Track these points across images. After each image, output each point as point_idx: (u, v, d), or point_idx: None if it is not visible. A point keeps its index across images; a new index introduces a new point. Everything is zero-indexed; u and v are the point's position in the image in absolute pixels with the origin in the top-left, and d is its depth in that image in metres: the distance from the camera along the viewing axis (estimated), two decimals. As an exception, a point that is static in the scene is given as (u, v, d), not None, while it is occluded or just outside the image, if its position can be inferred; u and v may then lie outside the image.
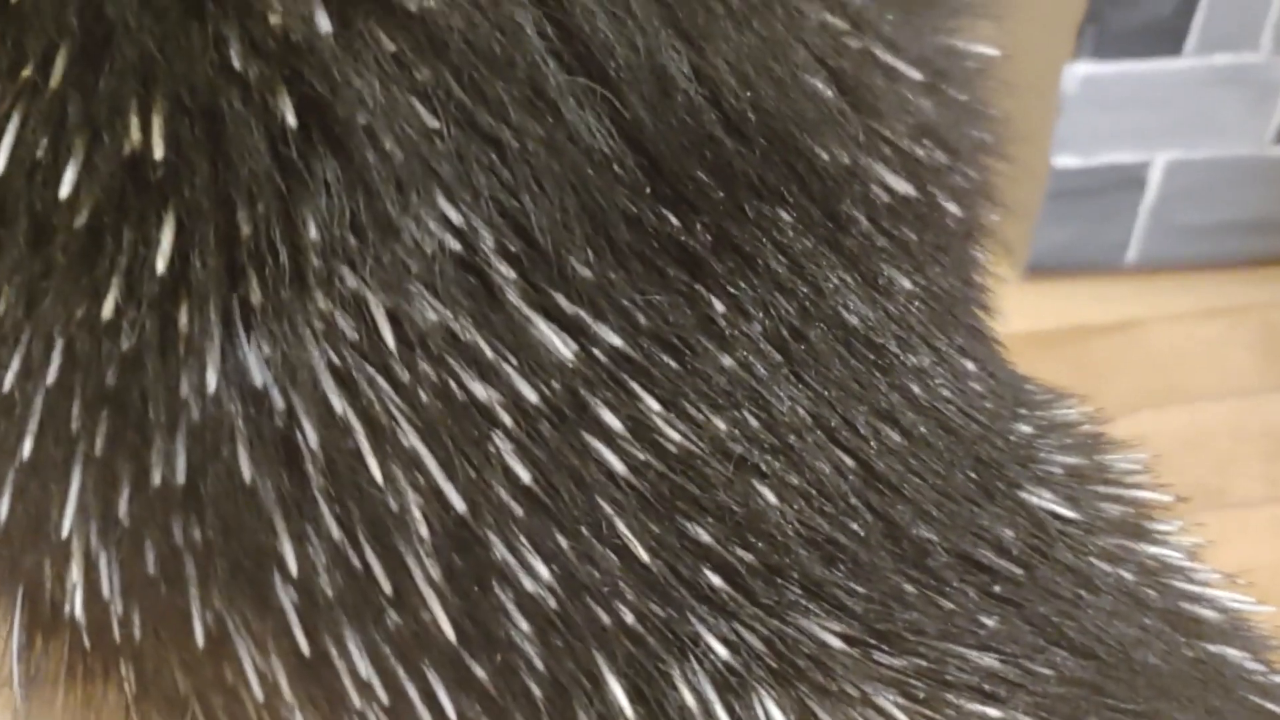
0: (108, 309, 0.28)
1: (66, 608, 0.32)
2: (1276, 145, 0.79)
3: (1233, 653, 0.37)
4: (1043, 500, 0.36)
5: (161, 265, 0.27)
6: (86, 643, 0.34)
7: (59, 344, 0.29)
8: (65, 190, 0.27)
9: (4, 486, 0.32)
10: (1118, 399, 0.76)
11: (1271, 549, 0.67)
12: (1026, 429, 0.38)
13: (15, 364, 0.30)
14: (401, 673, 0.31)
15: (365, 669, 0.31)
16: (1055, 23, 0.73)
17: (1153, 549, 0.38)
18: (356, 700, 0.32)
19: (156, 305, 0.28)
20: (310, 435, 0.28)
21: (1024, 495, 0.35)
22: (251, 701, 0.33)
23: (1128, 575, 0.36)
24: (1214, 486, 0.70)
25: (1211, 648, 0.37)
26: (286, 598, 0.30)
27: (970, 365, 0.37)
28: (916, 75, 0.36)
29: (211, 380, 0.28)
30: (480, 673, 0.31)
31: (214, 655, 0.32)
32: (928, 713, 0.32)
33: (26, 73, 0.28)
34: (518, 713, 0.32)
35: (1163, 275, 0.83)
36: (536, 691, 0.32)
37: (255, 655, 0.32)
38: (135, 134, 0.27)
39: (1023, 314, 0.83)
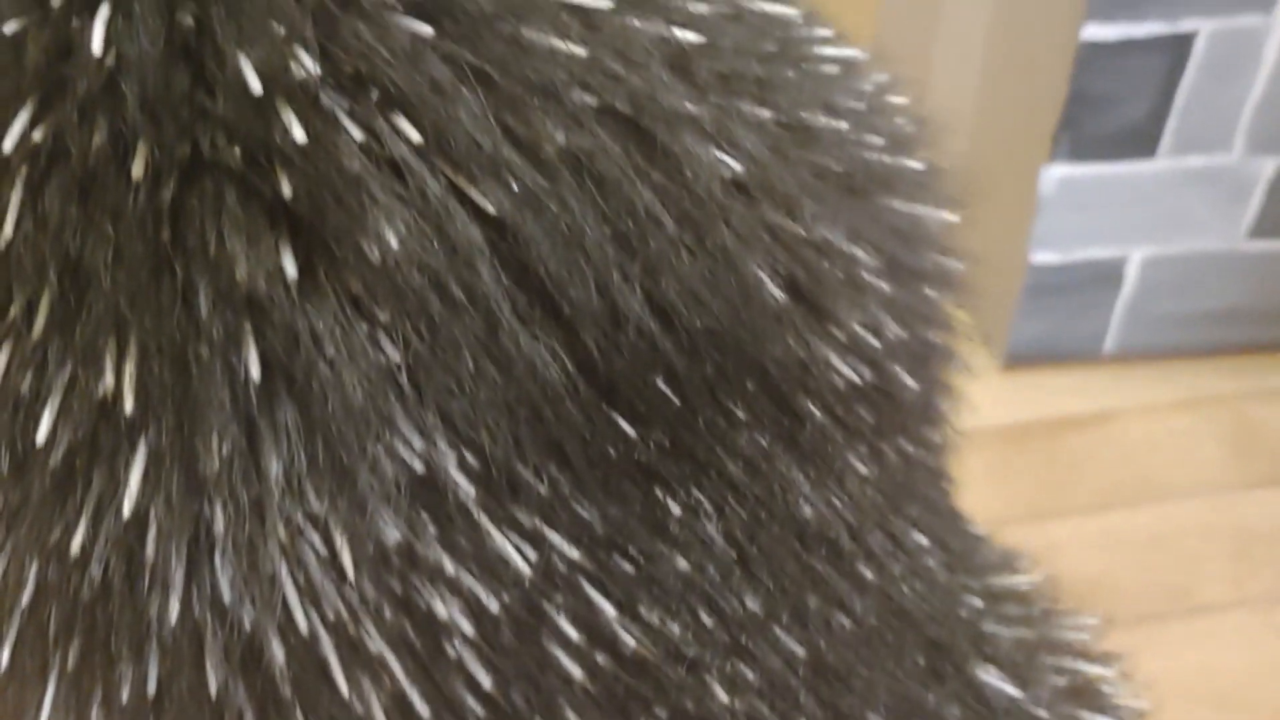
0: (75, 545, 0.29)
1: None
2: (1250, 240, 0.80)
3: None
4: (989, 677, 0.37)
5: (128, 508, 0.29)
6: None
7: (33, 568, 0.30)
8: (43, 433, 0.29)
9: None
10: (1091, 495, 0.77)
11: (1237, 653, 0.67)
12: (977, 603, 0.39)
13: None
14: None
15: None
16: (1031, 127, 0.74)
17: (1098, 718, 0.39)
18: None
19: (122, 541, 0.29)
20: (276, 648, 0.30)
21: (972, 673, 0.37)
22: None
23: (1072, 749, 0.37)
24: (1181, 587, 0.71)
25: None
26: None
27: (924, 540, 0.39)
28: (873, 260, 0.38)
29: (174, 607, 0.29)
30: None
31: None
32: None
33: (13, 313, 0.29)
34: None
35: (1139, 364, 0.84)
36: None
37: None
38: (109, 379, 0.28)
39: (999, 405, 0.84)
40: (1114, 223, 0.77)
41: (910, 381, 0.40)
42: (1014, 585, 0.41)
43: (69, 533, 0.30)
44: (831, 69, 0.41)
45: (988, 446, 0.78)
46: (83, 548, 0.30)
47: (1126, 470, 0.78)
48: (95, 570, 0.31)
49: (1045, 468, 0.78)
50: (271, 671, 0.31)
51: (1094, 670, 0.40)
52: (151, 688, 0.31)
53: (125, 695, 0.31)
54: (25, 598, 0.31)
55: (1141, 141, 0.73)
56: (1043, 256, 0.78)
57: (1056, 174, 0.74)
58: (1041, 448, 0.79)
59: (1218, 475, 0.78)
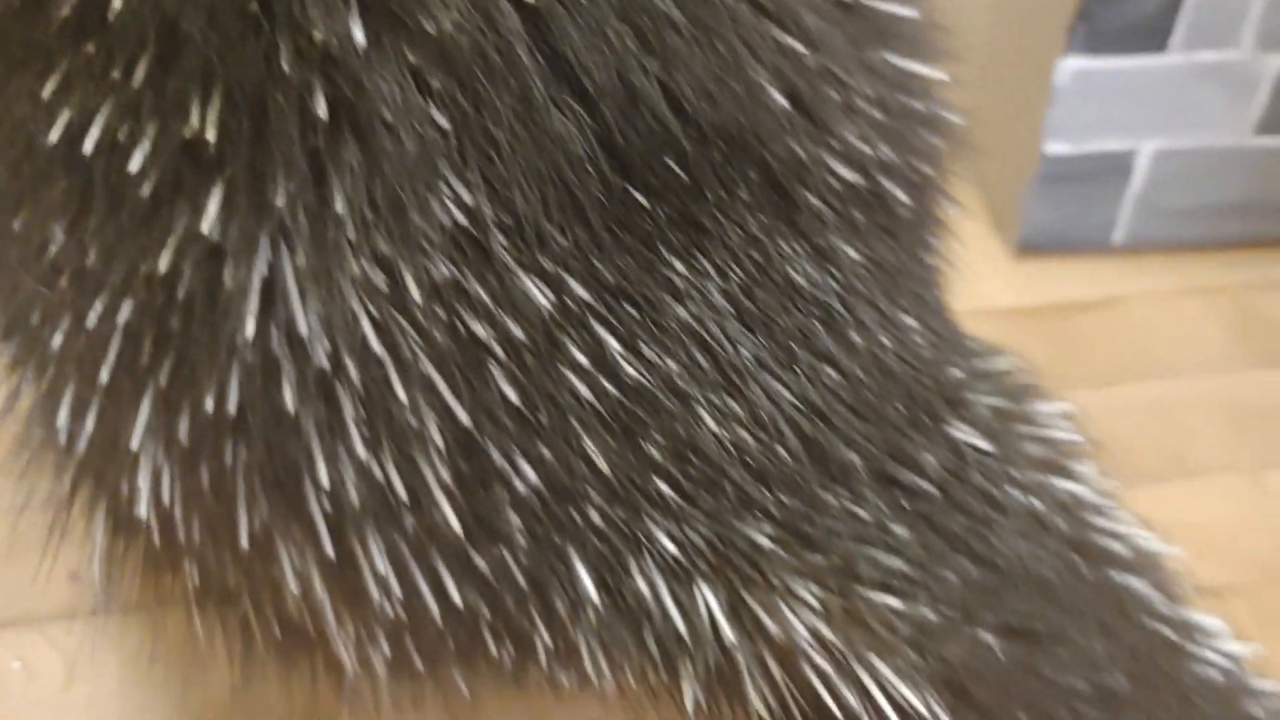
0: (163, 264, 0.32)
1: (137, 510, 0.36)
2: (1257, 136, 0.80)
3: (1137, 583, 0.40)
4: (963, 434, 0.39)
5: (206, 228, 0.31)
6: (157, 541, 0.38)
7: (129, 294, 0.33)
8: (135, 166, 0.31)
9: (89, 409, 0.36)
10: (1097, 371, 0.78)
11: (1228, 512, 0.68)
12: (958, 374, 0.41)
13: (98, 307, 0.34)
14: (415, 568, 0.36)
15: (384, 567, 0.35)
16: (1047, 20, 0.75)
17: (1069, 485, 0.41)
18: (375, 594, 0.36)
19: (203, 265, 0.32)
20: (352, 371, 0.32)
21: (948, 428, 0.39)
22: (291, 597, 0.37)
23: (1039, 504, 0.39)
24: (1180, 454, 0.72)
25: (1116, 576, 0.40)
26: (318, 508, 0.34)
27: (911, 321, 0.41)
28: (869, 90, 0.40)
29: (250, 329, 0.32)
30: (481, 564, 0.35)
31: (260, 557, 0.36)
32: (839, 600, 0.35)
33: (114, 75, 0.32)
34: (509, 599, 0.36)
35: (1146, 256, 0.85)
36: (523, 582, 0.36)
37: (294, 558, 0.36)
38: (194, 122, 0.31)
39: (1011, 290, 0.85)
40: (1125, 115, 0.77)
41: (904, 198, 0.42)
42: (996, 365, 0.43)
43: (157, 255, 0.33)
44: None
45: (998, 326, 0.79)
46: (170, 266, 0.33)
47: (1132, 350, 0.78)
48: (181, 293, 0.33)
49: (1055, 345, 0.79)
50: (339, 396, 0.33)
51: (1066, 438, 0.42)
52: (233, 407, 0.33)
53: (209, 409, 0.33)
54: (122, 319, 0.34)
55: (1154, 35, 0.73)
56: (1055, 147, 0.78)
57: (1071, 66, 0.74)
58: (1051, 328, 0.80)
59: (1217, 357, 0.78)
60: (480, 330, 0.34)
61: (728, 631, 0.35)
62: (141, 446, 0.35)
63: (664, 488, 0.35)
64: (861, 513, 0.36)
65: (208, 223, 0.32)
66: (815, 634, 0.35)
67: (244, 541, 0.35)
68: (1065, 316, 0.81)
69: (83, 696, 0.58)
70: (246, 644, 0.44)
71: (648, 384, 0.35)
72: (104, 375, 0.35)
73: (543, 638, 0.36)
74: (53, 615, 0.61)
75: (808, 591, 0.35)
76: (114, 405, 0.36)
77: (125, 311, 0.34)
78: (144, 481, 0.36)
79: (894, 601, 0.35)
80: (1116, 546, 0.40)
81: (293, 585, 0.36)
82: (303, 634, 0.40)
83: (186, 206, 0.32)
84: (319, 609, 0.37)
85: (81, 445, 0.38)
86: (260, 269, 0.32)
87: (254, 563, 0.37)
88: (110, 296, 0.34)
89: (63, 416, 0.37)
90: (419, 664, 0.38)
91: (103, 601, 0.44)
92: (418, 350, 0.33)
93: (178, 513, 0.37)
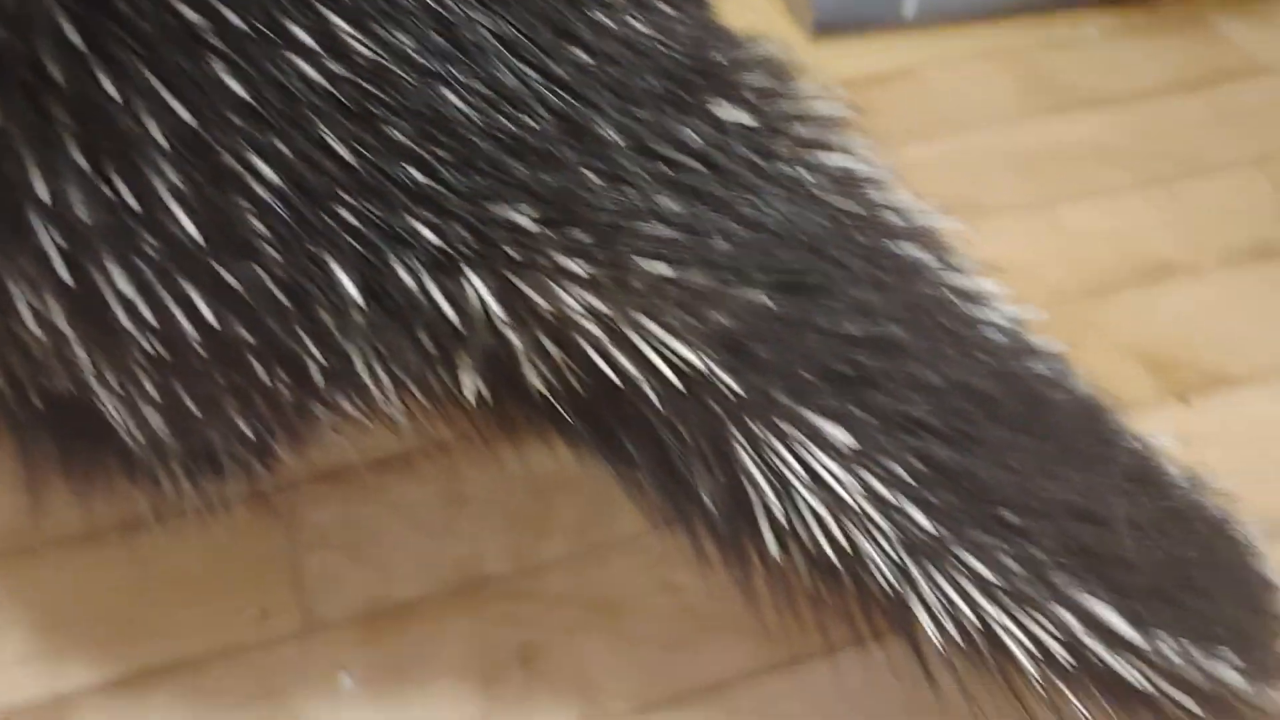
0: None
1: None
2: (1033, -105, 0.80)
3: (914, 249, 0.40)
4: (726, 111, 0.38)
5: None
6: None
7: None
8: None
9: None
10: (892, 132, 0.78)
11: (1018, 248, 0.70)
12: (719, 57, 0.39)
13: None
14: (162, 289, 0.33)
15: (129, 290, 0.32)
16: None
17: (840, 160, 0.40)
18: (127, 323, 0.33)
19: None
20: (56, 75, 0.29)
21: (709, 105, 0.37)
22: (39, 346, 0.34)
23: (809, 176, 0.39)
24: (973, 198, 0.73)
25: (892, 245, 0.40)
26: (46, 234, 0.31)
27: (667, 8, 0.39)
28: None
29: None
30: (232, 281, 0.33)
31: None
32: (608, 271, 0.34)
33: None
34: (269, 318, 0.34)
35: (939, 28, 0.85)
36: (281, 297, 0.33)
37: (28, 294, 0.32)
38: None
39: (809, 69, 0.84)
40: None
41: None
42: (758, 51, 0.41)
43: None
44: None
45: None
46: None
47: (927, 112, 0.79)
48: None
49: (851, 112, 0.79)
50: (48, 103, 0.30)
51: (831, 112, 0.41)
52: None
53: None
54: None
55: None
56: (839, -83, 0.77)
57: None
58: (848, 99, 0.80)
59: (1008, 111, 0.79)
60: (192, 17, 0.31)
61: (500, 314, 0.34)
62: None
63: (415, 173, 0.33)
64: (625, 186, 0.35)
65: None
66: (587, 306, 0.34)
67: None
68: (861, 88, 0.81)
69: None
70: (10, 429, 0.40)
71: (382, 62, 0.33)
72: None
73: (313, 355, 0.34)
74: None
75: (576, 265, 0.34)
76: None
77: None
78: None
79: (664, 268, 0.34)
80: (892, 218, 0.40)
81: (36, 330, 0.33)
82: (70, 408, 0.37)
83: None
84: (74, 358, 0.34)
85: None
86: None
87: None
88: None
89: None
90: (193, 407, 0.36)
91: None
92: (125, 43, 0.30)
93: None
